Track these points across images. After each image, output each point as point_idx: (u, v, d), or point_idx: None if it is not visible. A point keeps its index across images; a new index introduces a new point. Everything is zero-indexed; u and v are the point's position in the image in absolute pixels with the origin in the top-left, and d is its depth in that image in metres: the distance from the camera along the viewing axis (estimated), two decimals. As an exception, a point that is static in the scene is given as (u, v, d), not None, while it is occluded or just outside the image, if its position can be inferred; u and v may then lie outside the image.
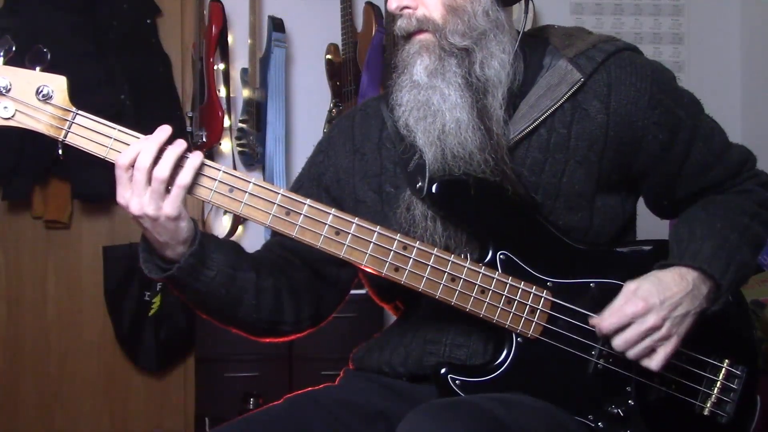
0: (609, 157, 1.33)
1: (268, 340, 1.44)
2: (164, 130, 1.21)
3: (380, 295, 1.49)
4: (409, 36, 1.32)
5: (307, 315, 1.42)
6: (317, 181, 1.45)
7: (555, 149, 1.32)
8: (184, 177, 1.20)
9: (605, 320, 1.25)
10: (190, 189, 1.21)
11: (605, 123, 1.32)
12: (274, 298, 1.36)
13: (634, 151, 1.34)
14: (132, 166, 1.19)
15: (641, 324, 1.23)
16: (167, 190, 1.20)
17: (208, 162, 1.23)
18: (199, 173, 1.22)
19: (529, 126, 1.31)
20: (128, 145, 1.20)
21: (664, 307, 1.24)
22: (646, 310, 1.23)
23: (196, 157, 1.21)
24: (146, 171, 1.18)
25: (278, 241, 1.45)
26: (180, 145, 1.21)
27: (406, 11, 1.31)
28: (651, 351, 1.25)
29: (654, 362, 1.25)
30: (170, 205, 1.20)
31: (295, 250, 1.42)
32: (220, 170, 1.23)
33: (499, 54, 1.30)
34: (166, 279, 1.25)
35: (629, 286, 1.26)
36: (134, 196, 1.19)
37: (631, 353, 1.25)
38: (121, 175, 1.19)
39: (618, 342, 1.25)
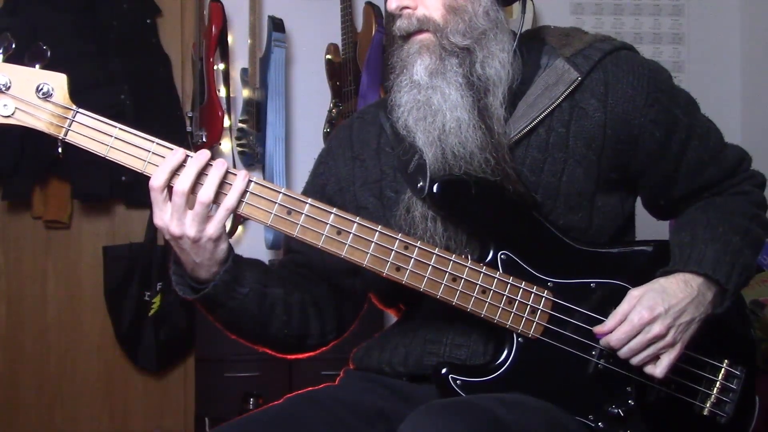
0: (607, 155, 1.33)
1: (294, 356, 1.45)
2: (204, 155, 1.20)
3: (382, 299, 1.49)
4: (408, 36, 1.32)
5: (331, 327, 1.43)
6: (320, 193, 1.45)
7: (554, 148, 1.32)
8: (230, 200, 1.20)
9: (614, 335, 1.25)
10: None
11: (603, 121, 1.32)
12: (301, 312, 1.37)
13: (631, 150, 1.34)
14: (166, 187, 1.17)
15: (646, 333, 1.24)
16: (208, 213, 1.19)
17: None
18: (202, 173, 1.20)
19: (527, 125, 1.31)
20: (129, 144, 1.19)
21: (669, 315, 1.24)
22: (652, 319, 1.23)
23: (241, 180, 1.20)
24: (185, 194, 1.17)
25: (291, 258, 1.46)
26: (222, 165, 1.20)
27: (405, 11, 1.31)
28: (655, 358, 1.26)
29: (658, 369, 1.26)
30: (214, 227, 1.20)
31: (310, 266, 1.43)
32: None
33: (499, 53, 1.31)
34: (201, 298, 1.25)
35: (633, 293, 1.26)
36: (174, 219, 1.18)
37: (635, 360, 1.26)
38: (158, 198, 1.18)
39: (623, 350, 1.25)
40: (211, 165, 1.20)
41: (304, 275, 1.43)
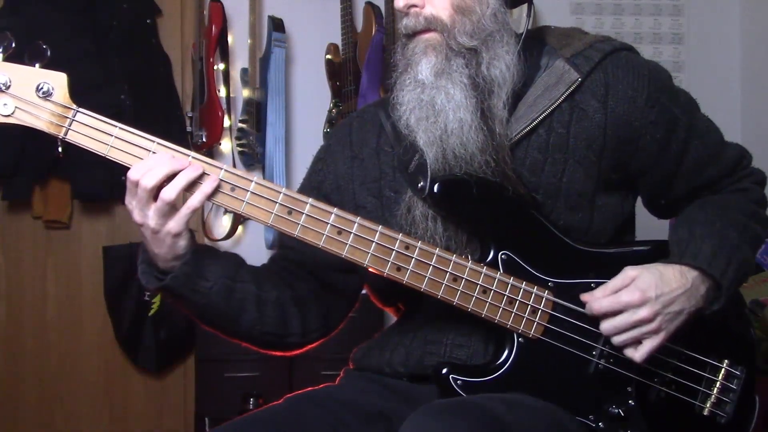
0: (608, 156, 1.33)
1: (278, 353, 1.44)
2: (180, 160, 1.20)
3: (381, 298, 1.49)
4: (414, 34, 1.31)
5: (315, 326, 1.42)
6: (317, 190, 1.45)
7: (554, 149, 1.32)
8: (194, 201, 1.20)
9: (597, 302, 1.25)
10: (190, 186, 1.21)
11: (603, 122, 1.32)
12: (277, 310, 1.36)
13: (632, 150, 1.34)
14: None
15: (633, 314, 1.24)
16: (174, 209, 1.20)
17: (208, 160, 1.23)
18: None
19: (527, 126, 1.31)
20: (130, 143, 1.20)
21: (659, 302, 1.24)
22: (642, 302, 1.23)
23: (209, 183, 1.21)
24: (148, 190, 1.18)
25: (282, 254, 1.45)
26: (194, 170, 1.20)
27: (413, 10, 1.30)
28: (637, 342, 1.26)
29: (638, 354, 1.26)
30: (174, 223, 1.21)
31: (301, 262, 1.42)
32: (221, 169, 1.22)
33: (504, 55, 1.30)
34: (161, 289, 1.26)
35: (629, 272, 1.26)
36: (136, 208, 1.20)
37: (616, 340, 1.26)
38: (129, 187, 1.20)
39: (606, 326, 1.25)
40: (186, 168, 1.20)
41: (293, 271, 1.42)
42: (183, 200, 1.22)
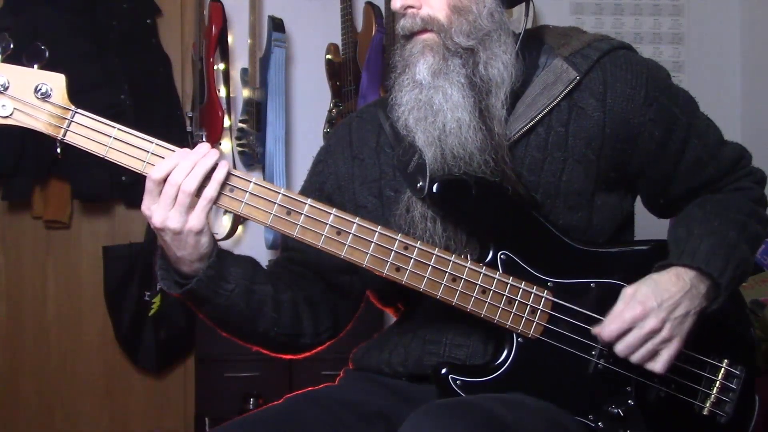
0: (607, 154, 1.33)
1: (289, 356, 1.45)
2: (203, 148, 1.21)
3: (381, 299, 1.49)
4: (412, 35, 1.31)
5: (325, 326, 1.42)
6: (320, 191, 1.46)
7: (553, 148, 1.32)
8: (210, 190, 1.20)
9: (606, 328, 1.25)
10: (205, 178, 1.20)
11: (602, 121, 1.32)
12: (292, 310, 1.36)
13: (630, 149, 1.34)
14: (165, 180, 1.18)
15: (641, 328, 1.23)
16: (192, 204, 1.20)
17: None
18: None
19: (526, 125, 1.31)
20: (128, 144, 1.20)
21: (663, 309, 1.24)
22: (645, 314, 1.23)
23: (221, 170, 1.21)
24: (179, 186, 1.18)
25: (287, 257, 1.46)
26: (211, 157, 1.20)
27: (410, 11, 1.30)
28: (654, 354, 1.26)
29: (658, 365, 1.26)
30: (196, 219, 1.20)
31: (306, 264, 1.42)
32: (220, 170, 1.23)
33: (502, 55, 1.30)
34: (186, 293, 1.25)
35: (627, 291, 1.26)
36: (160, 209, 1.19)
37: (634, 357, 1.25)
38: (151, 188, 1.19)
39: (620, 348, 1.25)
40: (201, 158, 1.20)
41: (299, 273, 1.42)
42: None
